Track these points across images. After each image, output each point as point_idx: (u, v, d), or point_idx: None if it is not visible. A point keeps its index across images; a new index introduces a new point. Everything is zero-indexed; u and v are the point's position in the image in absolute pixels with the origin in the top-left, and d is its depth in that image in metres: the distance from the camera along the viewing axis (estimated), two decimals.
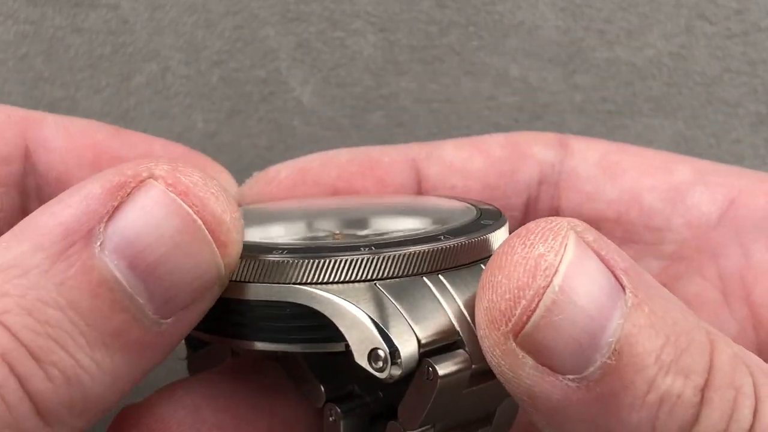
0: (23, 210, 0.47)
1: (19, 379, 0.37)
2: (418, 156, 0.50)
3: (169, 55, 0.69)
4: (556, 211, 0.51)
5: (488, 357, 0.37)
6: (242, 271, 0.37)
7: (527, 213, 0.51)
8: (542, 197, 0.51)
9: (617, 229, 0.49)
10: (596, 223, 0.50)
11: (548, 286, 0.35)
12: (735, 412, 0.36)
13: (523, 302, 0.35)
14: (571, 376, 0.35)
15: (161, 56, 0.69)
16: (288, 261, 0.37)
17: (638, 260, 0.48)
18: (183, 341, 0.44)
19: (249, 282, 0.37)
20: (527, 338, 0.36)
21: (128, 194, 0.40)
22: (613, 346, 0.35)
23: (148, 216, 0.39)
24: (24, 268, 0.39)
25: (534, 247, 0.36)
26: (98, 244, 0.39)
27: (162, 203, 0.40)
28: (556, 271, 0.35)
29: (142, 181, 0.40)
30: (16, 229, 0.40)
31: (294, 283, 0.37)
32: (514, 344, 0.36)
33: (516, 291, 0.36)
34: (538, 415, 0.37)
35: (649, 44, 0.71)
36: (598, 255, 0.36)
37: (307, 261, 0.36)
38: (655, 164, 0.51)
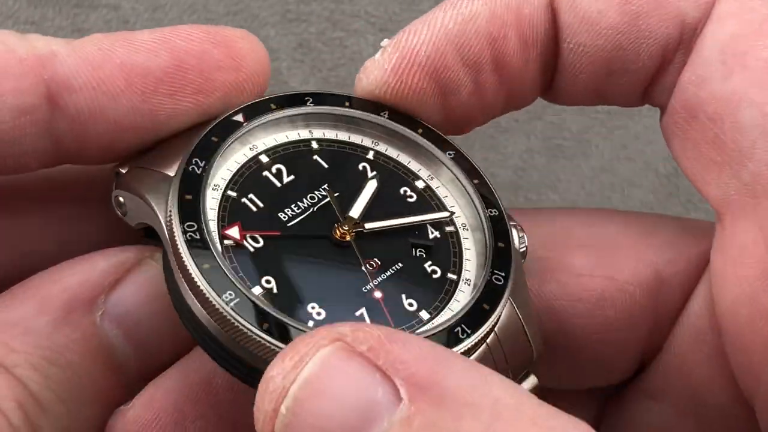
0: (57, 154, 0.44)
1: (33, 427, 0.40)
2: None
3: None
4: (675, 85, 0.45)
5: None
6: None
7: (653, 82, 0.46)
8: (672, 67, 0.45)
9: (710, 130, 0.44)
10: (695, 111, 0.44)
11: (278, 410, 0.34)
12: None
13: (259, 425, 0.35)
14: None
15: None
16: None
17: (722, 167, 0.44)
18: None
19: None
20: None
21: (128, 270, 0.43)
22: None
23: (145, 292, 0.43)
24: (29, 328, 0.41)
25: (271, 369, 0.35)
26: (99, 313, 0.42)
27: (158, 282, 0.43)
28: (286, 393, 0.34)
29: (141, 260, 0.44)
30: (16, 289, 0.43)
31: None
32: None
33: (256, 413, 0.35)
34: None
35: None
36: (373, 364, 0.34)
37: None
38: None
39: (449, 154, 0.47)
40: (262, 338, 0.40)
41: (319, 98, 0.47)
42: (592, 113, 0.70)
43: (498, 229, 0.45)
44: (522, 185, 0.71)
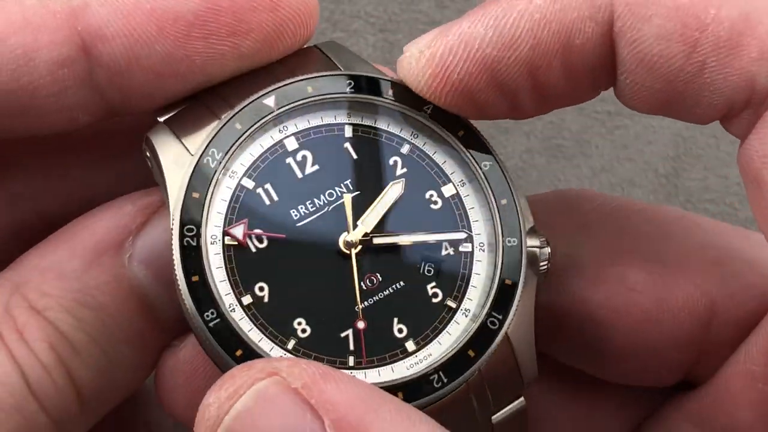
0: (104, 107, 0.44)
1: (65, 366, 0.41)
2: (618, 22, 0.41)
3: None
4: (744, 136, 0.41)
5: None
6: None
7: (722, 120, 0.42)
8: (740, 120, 0.41)
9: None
10: (759, 183, 0.40)
11: None
12: None
13: None
14: None
15: None
16: None
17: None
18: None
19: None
20: None
21: (154, 212, 0.44)
22: None
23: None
24: (61, 272, 0.42)
25: (209, 395, 0.37)
26: (128, 255, 0.43)
27: None
28: (220, 423, 0.36)
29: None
30: (52, 236, 0.44)
31: None
32: None
33: None
34: None
35: None
36: (305, 401, 0.35)
37: None
38: None
39: (485, 165, 0.45)
40: (232, 365, 0.40)
41: (360, 82, 0.45)
42: (592, 113, 0.70)
43: (511, 263, 0.43)
44: (522, 185, 0.71)
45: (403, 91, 0.45)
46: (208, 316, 0.40)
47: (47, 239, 0.44)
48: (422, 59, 0.43)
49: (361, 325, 0.42)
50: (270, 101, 0.43)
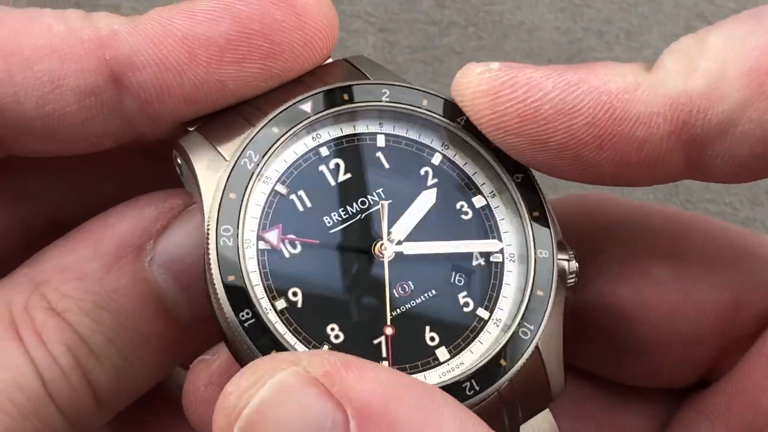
0: (132, 134, 0.44)
1: (82, 369, 0.42)
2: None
3: None
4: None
5: None
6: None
7: None
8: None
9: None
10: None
11: (231, 427, 0.35)
12: None
13: None
14: None
15: None
16: None
17: None
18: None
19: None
20: None
21: (175, 217, 0.44)
22: None
23: (192, 237, 0.43)
24: (81, 273, 0.42)
25: (230, 384, 0.36)
26: (148, 259, 0.43)
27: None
28: (240, 413, 0.35)
29: (189, 205, 0.44)
30: (72, 234, 0.44)
31: None
32: None
33: (214, 427, 0.36)
34: None
35: (649, 44, 0.71)
36: (326, 392, 0.35)
37: None
38: None
39: (517, 178, 0.45)
40: None
41: (395, 92, 0.44)
42: None
43: (542, 275, 0.43)
44: None
45: (437, 100, 0.45)
46: (243, 316, 0.40)
47: (67, 236, 0.44)
48: (485, 74, 0.42)
49: (389, 331, 0.42)
50: (307, 107, 0.43)
